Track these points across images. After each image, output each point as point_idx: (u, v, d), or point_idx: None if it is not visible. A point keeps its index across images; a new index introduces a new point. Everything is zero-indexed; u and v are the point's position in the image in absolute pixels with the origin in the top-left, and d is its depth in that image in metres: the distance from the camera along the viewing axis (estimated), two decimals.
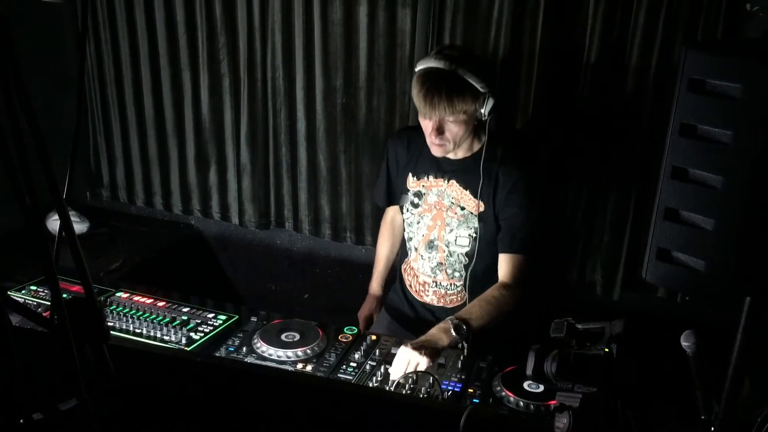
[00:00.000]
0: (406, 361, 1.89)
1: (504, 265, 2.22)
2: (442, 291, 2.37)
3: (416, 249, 2.38)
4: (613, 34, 2.50)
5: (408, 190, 2.36)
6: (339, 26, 2.80)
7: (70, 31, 3.30)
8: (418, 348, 1.91)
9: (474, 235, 2.25)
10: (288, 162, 3.11)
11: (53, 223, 2.73)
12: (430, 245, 2.33)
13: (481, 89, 2.05)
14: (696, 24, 2.41)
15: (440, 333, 2.01)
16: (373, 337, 2.16)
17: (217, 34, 3.01)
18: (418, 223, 2.35)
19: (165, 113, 3.24)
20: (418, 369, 1.87)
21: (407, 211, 2.37)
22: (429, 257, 2.35)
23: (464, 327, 2.01)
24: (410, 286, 2.46)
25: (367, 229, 3.09)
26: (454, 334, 1.99)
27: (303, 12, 2.83)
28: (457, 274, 2.32)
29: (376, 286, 2.66)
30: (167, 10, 3.05)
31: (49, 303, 2.21)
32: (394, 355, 1.98)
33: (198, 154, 3.26)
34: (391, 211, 2.59)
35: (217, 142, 3.21)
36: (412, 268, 2.43)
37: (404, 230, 2.44)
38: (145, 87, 3.22)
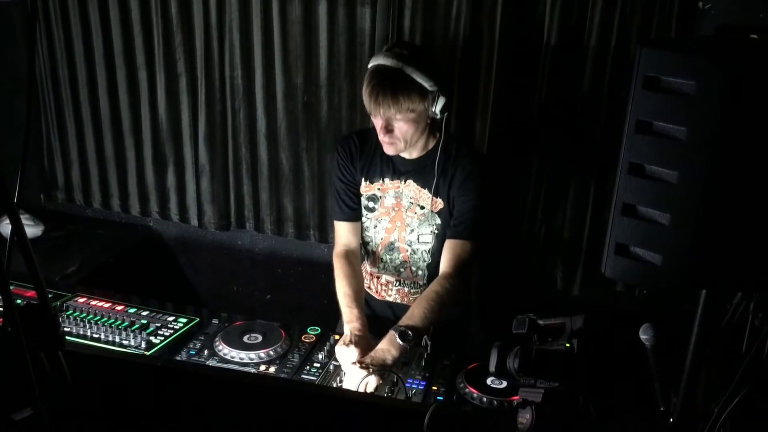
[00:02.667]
0: (356, 383, 1.85)
1: (447, 251, 2.19)
2: (406, 289, 2.37)
3: (374, 252, 2.36)
4: (570, 32, 2.53)
5: (360, 195, 2.32)
6: (298, 24, 2.79)
7: (20, 29, 3.22)
8: (365, 367, 1.88)
9: (436, 231, 2.25)
10: (248, 162, 3.08)
11: (5, 226, 2.66)
12: (391, 247, 2.32)
13: (429, 87, 2.01)
14: (650, 22, 2.45)
15: (387, 346, 1.97)
16: (336, 337, 2.15)
17: (173, 33, 2.96)
18: (376, 227, 2.32)
19: (121, 113, 3.18)
20: (368, 389, 1.85)
21: (363, 216, 2.35)
22: (390, 258, 2.34)
23: (409, 333, 1.97)
24: (369, 287, 2.43)
25: (331, 226, 3.07)
26: (400, 342, 1.95)
27: (261, 10, 2.80)
28: (420, 272, 2.32)
29: (355, 322, 2.12)
30: (122, 7, 2.99)
31: (1, 309, 2.15)
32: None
33: (155, 154, 3.21)
34: (342, 240, 2.36)
35: (174, 143, 3.16)
36: (370, 273, 2.41)
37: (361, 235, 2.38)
38: (100, 86, 3.16)
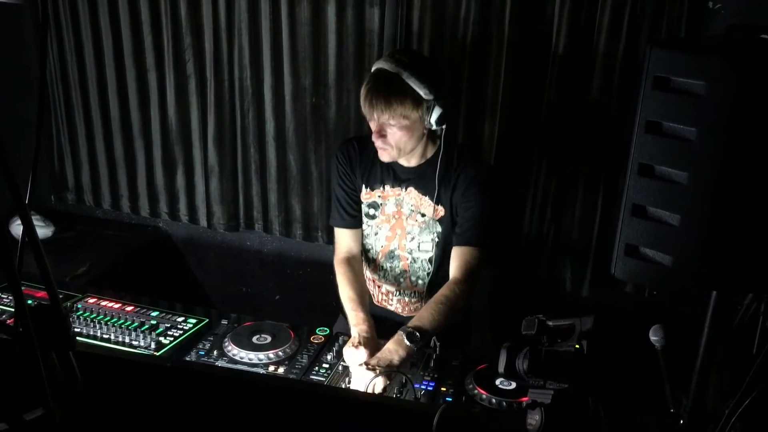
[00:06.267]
0: (364, 384, 1.85)
1: (456, 258, 2.18)
2: (406, 299, 2.36)
3: (374, 260, 2.35)
4: (579, 33, 2.52)
5: (361, 202, 2.31)
6: (307, 25, 2.79)
7: (30, 32, 3.24)
8: (372, 369, 1.87)
9: (437, 239, 2.24)
10: (257, 163, 3.09)
11: (16, 227, 2.67)
12: (391, 255, 2.31)
13: (424, 96, 1.98)
14: (660, 22, 2.44)
15: (395, 346, 1.95)
16: (345, 338, 2.15)
17: (182, 35, 2.97)
18: (376, 234, 2.31)
19: (131, 115, 3.20)
20: (375, 390, 1.84)
21: (363, 222, 2.33)
22: (391, 267, 2.32)
23: (417, 334, 1.95)
24: (371, 296, 2.41)
25: None
26: (408, 343, 1.94)
27: (270, 11, 2.81)
28: (420, 282, 2.31)
29: (362, 324, 2.10)
30: (131, 9, 3.01)
31: (12, 310, 2.17)
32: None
33: (165, 156, 3.22)
34: (343, 248, 2.35)
35: (184, 144, 3.17)
36: (372, 280, 2.40)
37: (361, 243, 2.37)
38: (110, 88, 3.17)
